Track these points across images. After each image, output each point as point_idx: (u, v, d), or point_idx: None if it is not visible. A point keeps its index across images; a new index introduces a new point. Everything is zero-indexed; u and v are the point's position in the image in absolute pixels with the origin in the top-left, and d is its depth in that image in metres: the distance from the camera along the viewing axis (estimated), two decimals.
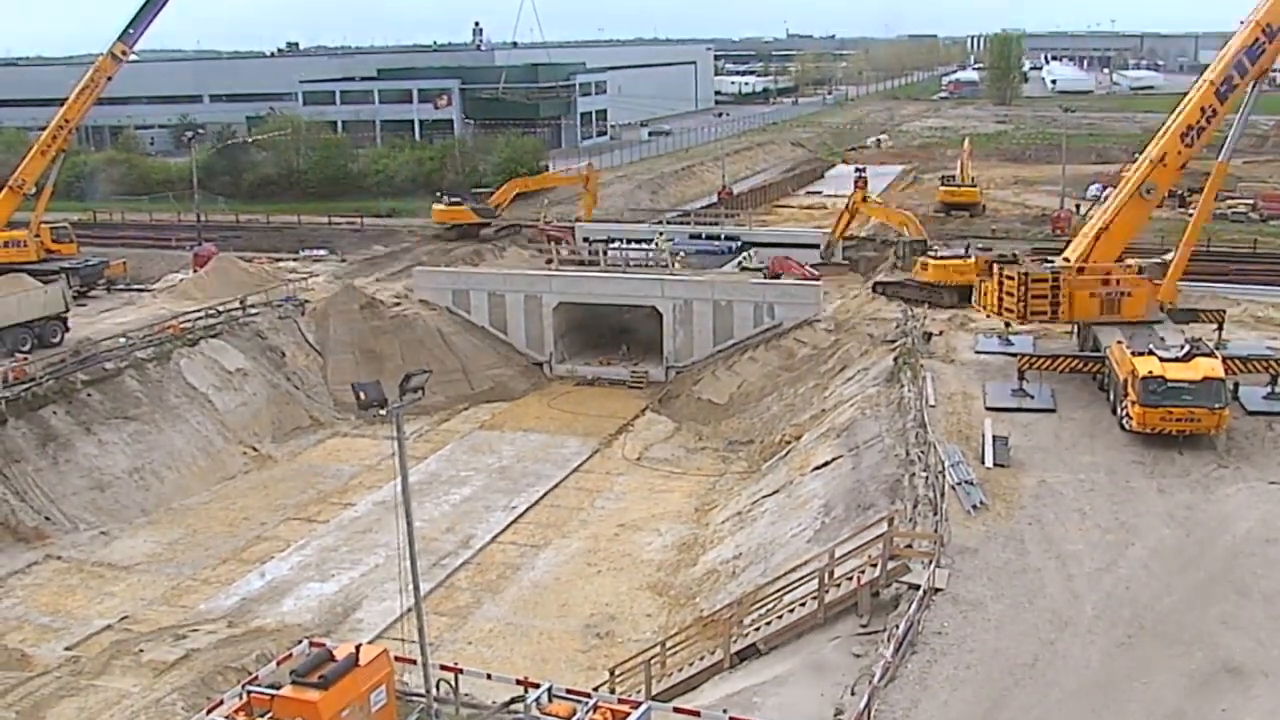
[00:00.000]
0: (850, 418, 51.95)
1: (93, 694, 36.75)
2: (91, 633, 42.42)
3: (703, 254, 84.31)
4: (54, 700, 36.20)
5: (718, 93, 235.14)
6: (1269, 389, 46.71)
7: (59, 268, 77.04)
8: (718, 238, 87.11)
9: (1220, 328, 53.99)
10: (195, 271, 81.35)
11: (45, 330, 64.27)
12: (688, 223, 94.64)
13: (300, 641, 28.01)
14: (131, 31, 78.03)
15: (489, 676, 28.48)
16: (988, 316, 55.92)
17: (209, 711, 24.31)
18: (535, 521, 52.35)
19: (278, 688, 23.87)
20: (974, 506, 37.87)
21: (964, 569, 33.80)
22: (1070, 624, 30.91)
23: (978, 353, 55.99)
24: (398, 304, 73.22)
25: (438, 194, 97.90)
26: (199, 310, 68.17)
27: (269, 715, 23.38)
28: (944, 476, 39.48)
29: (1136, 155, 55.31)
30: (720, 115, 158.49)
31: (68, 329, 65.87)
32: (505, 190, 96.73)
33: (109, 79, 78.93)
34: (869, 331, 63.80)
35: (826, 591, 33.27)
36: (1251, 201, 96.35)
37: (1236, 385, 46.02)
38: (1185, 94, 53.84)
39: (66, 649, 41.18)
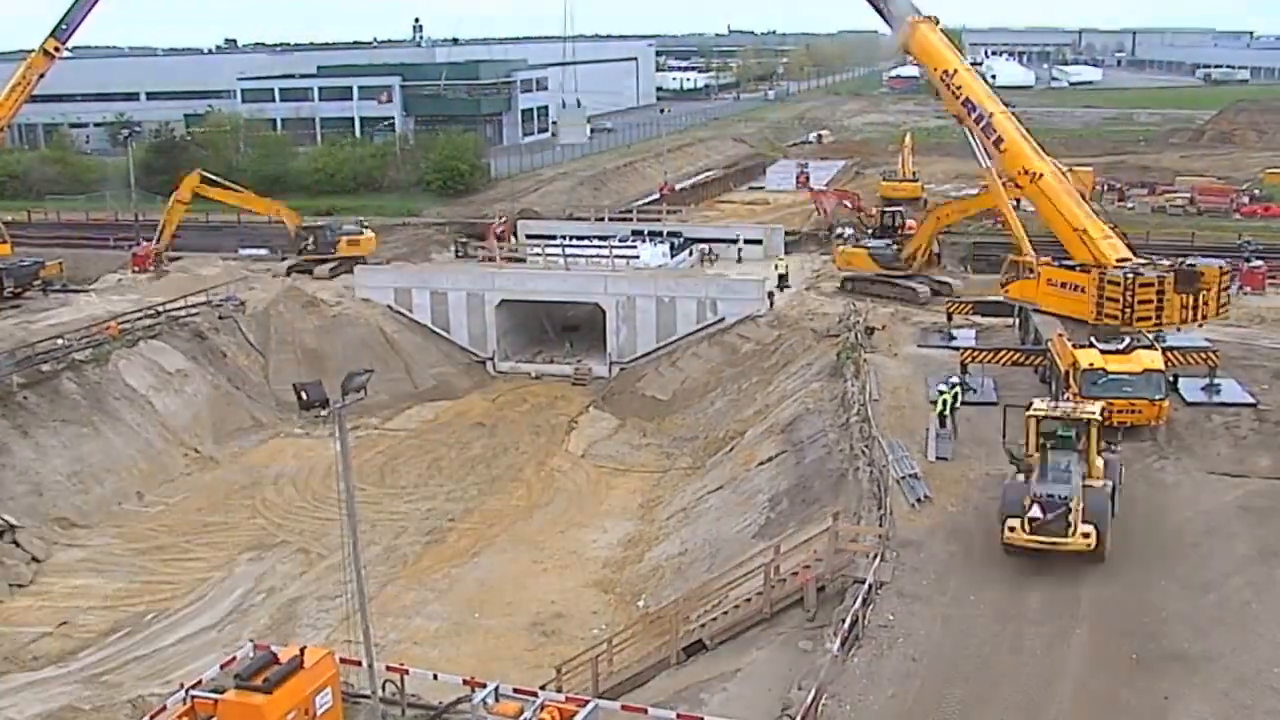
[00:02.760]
0: (794, 413, 52.12)
1: (37, 701, 36.35)
2: (29, 639, 41.83)
3: None
4: None
5: (659, 89, 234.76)
6: (1207, 380, 47.28)
7: None
8: (660, 234, 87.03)
9: None
10: (134, 271, 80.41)
11: None
12: (630, 219, 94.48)
13: (244, 644, 27.76)
14: (64, 27, 76.93)
15: (435, 676, 28.39)
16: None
17: (152, 717, 24.04)
18: (480, 520, 52.15)
19: (221, 691, 23.66)
20: (918, 500, 38.09)
21: (909, 562, 33.99)
22: (1014, 615, 31.15)
23: (920, 347, 56.32)
24: (339, 303, 72.71)
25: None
26: (138, 310, 67.47)
27: None
28: (888, 471, 39.74)
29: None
30: (662, 111, 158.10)
31: None
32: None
33: (41, 76, 77.75)
34: (811, 327, 64.01)
35: (772, 587, 33.39)
36: (1189, 195, 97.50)
37: (1176, 377, 46.55)
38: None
39: (3, 656, 40.61)
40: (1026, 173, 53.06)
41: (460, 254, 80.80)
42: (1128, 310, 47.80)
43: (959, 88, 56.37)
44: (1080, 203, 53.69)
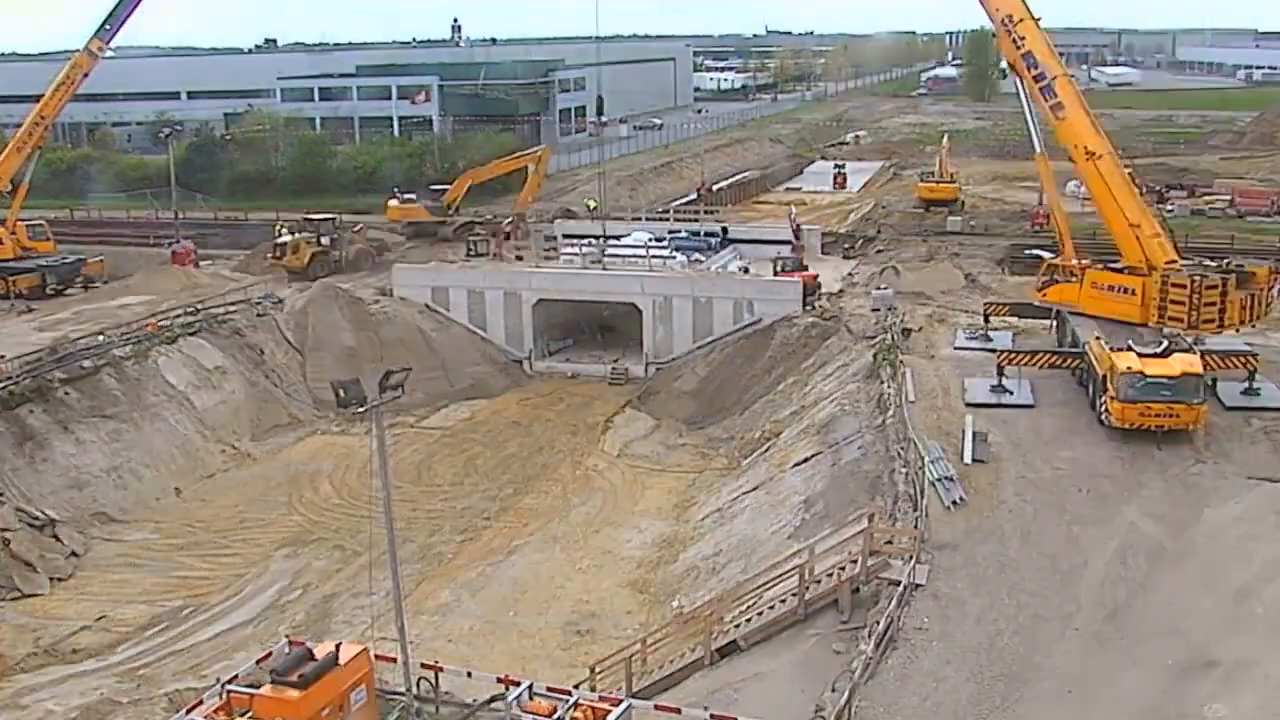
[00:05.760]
0: (830, 414, 51.99)
1: (75, 694, 36.63)
2: (69, 633, 42.21)
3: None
4: (32, 699, 36.05)
5: (697, 89, 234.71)
6: (1246, 384, 46.91)
7: (35, 265, 76.73)
8: (698, 234, 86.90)
9: None
10: (174, 269, 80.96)
11: None
12: (667, 218, 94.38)
13: (280, 640, 27.91)
14: (108, 27, 77.67)
15: (469, 674, 28.37)
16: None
17: (188, 711, 24.19)
18: (515, 519, 52.26)
19: (257, 687, 23.79)
20: (954, 502, 37.93)
21: (944, 565, 33.87)
22: (1050, 619, 31.01)
23: (957, 349, 56.04)
24: (377, 302, 72.96)
25: (393, 190, 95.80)
26: (178, 308, 67.94)
27: (248, 715, 23.29)
28: (924, 472, 39.60)
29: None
30: (700, 112, 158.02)
31: None
32: (458, 185, 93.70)
33: (85, 75, 78.54)
34: (848, 327, 63.79)
35: (807, 588, 33.30)
36: (1229, 198, 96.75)
37: (1214, 381, 46.23)
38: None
39: (44, 649, 40.97)
40: (1087, 153, 51.48)
41: (471, 252, 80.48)
42: (1193, 313, 47.79)
43: (1022, 38, 52.74)
44: (1136, 195, 52.96)
